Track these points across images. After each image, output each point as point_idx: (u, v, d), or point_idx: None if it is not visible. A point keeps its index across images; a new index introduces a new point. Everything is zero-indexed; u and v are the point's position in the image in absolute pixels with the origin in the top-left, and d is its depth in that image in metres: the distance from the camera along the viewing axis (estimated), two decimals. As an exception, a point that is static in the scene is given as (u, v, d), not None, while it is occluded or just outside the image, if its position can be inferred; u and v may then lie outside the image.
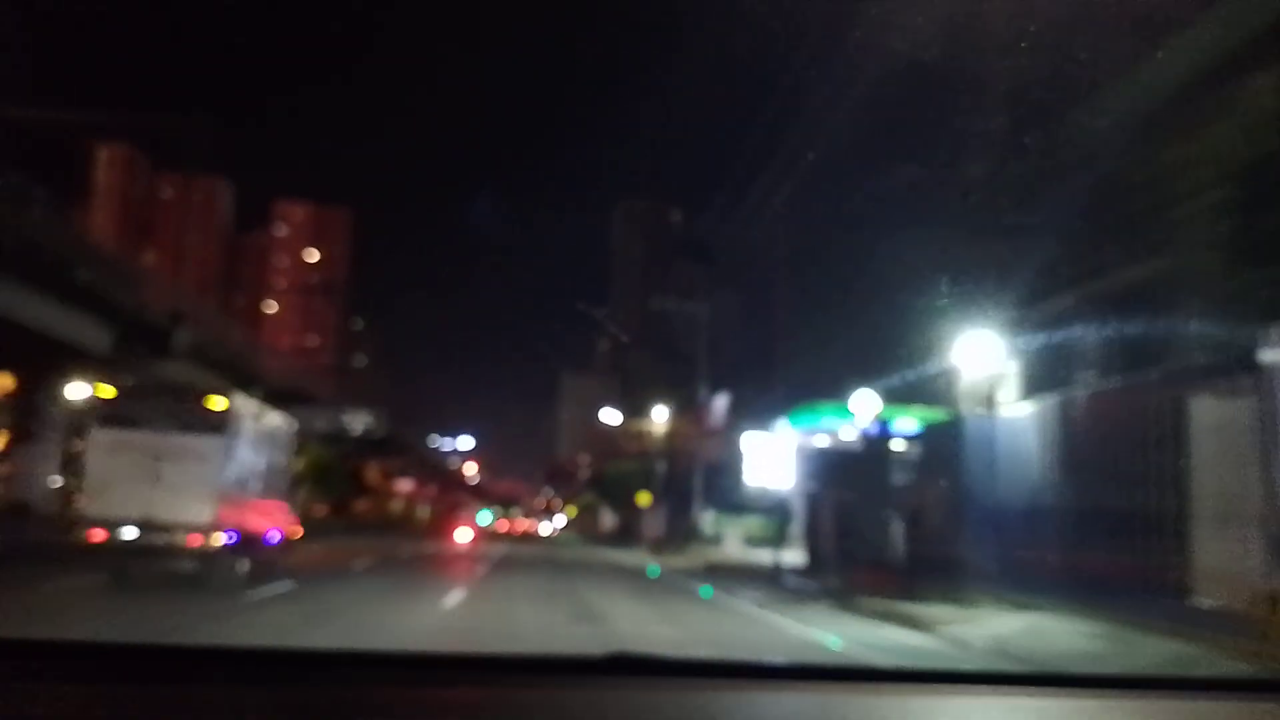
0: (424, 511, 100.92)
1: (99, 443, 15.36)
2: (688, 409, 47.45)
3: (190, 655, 2.26)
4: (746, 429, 45.18)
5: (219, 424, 15.58)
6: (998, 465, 15.24)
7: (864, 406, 37.98)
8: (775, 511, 45.38)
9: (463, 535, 37.47)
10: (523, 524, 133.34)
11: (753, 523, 43.67)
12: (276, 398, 46.53)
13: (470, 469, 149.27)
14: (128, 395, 16.23)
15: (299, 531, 20.88)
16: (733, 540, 37.18)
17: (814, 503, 28.79)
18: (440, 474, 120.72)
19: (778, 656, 10.02)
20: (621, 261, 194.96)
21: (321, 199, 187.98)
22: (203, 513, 14.73)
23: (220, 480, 15.28)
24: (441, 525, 52.56)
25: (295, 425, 21.18)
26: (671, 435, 46.73)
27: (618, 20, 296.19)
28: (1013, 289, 16.36)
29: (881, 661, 9.20)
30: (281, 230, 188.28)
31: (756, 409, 43.78)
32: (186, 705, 1.82)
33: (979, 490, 15.95)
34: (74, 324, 25.45)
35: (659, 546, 38.84)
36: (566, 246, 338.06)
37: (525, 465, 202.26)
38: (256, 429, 17.52)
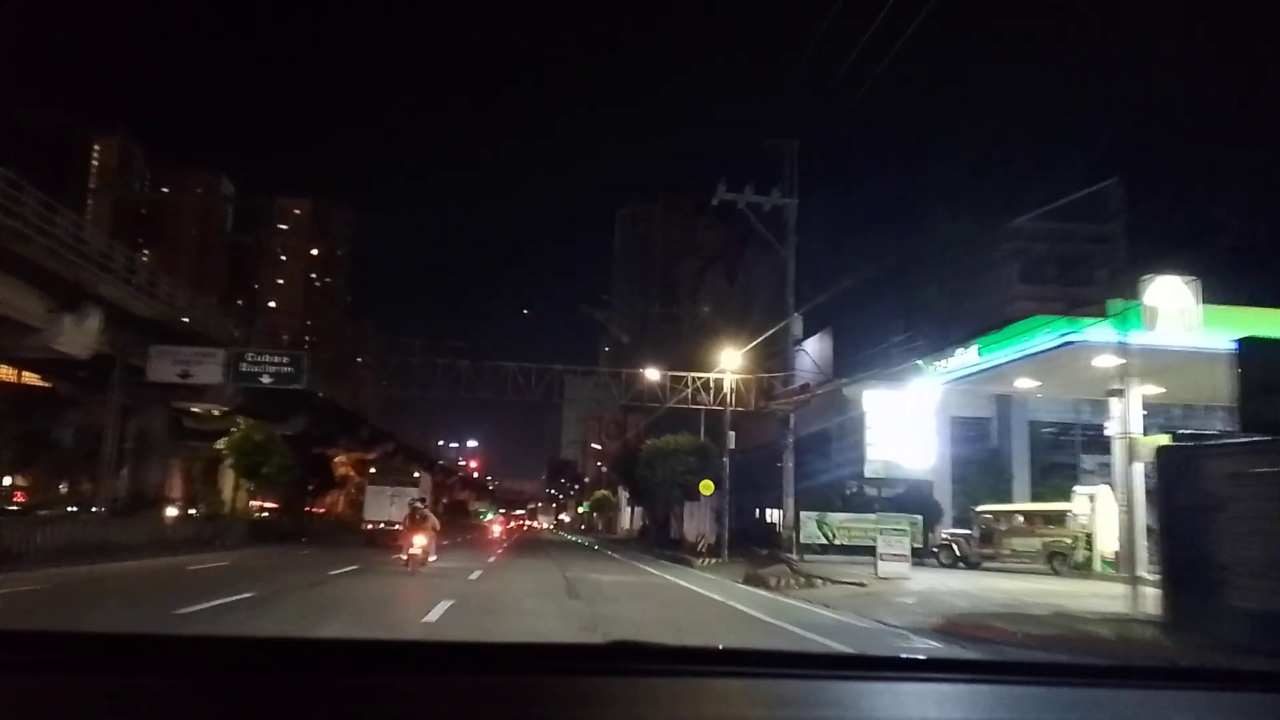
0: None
1: (369, 491, 41.51)
2: (768, 360, 29.92)
3: (186, 645, 2.00)
4: (857, 384, 27.70)
5: (414, 483, 41.84)
6: None
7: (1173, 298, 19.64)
8: (913, 504, 27.90)
9: (495, 529, 57.93)
10: (524, 521, 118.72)
11: (884, 523, 26.15)
12: (129, 325, 28.30)
13: (474, 468, 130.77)
14: (381, 471, 51.91)
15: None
16: (894, 553, 19.40)
17: (1188, 481, 11.44)
18: (441, 470, 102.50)
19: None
20: (623, 265, 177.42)
21: (324, 197, 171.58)
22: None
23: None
24: (482, 529, 70.58)
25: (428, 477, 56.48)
26: (742, 396, 29.20)
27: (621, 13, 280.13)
28: None
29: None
30: (283, 227, 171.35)
31: (877, 355, 26.41)
32: (185, 696, 1.61)
33: None
34: None
35: (757, 566, 21.15)
36: (571, 250, 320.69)
37: (528, 465, 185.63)
38: (422, 482, 44.22)
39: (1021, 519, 24.38)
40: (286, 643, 2.04)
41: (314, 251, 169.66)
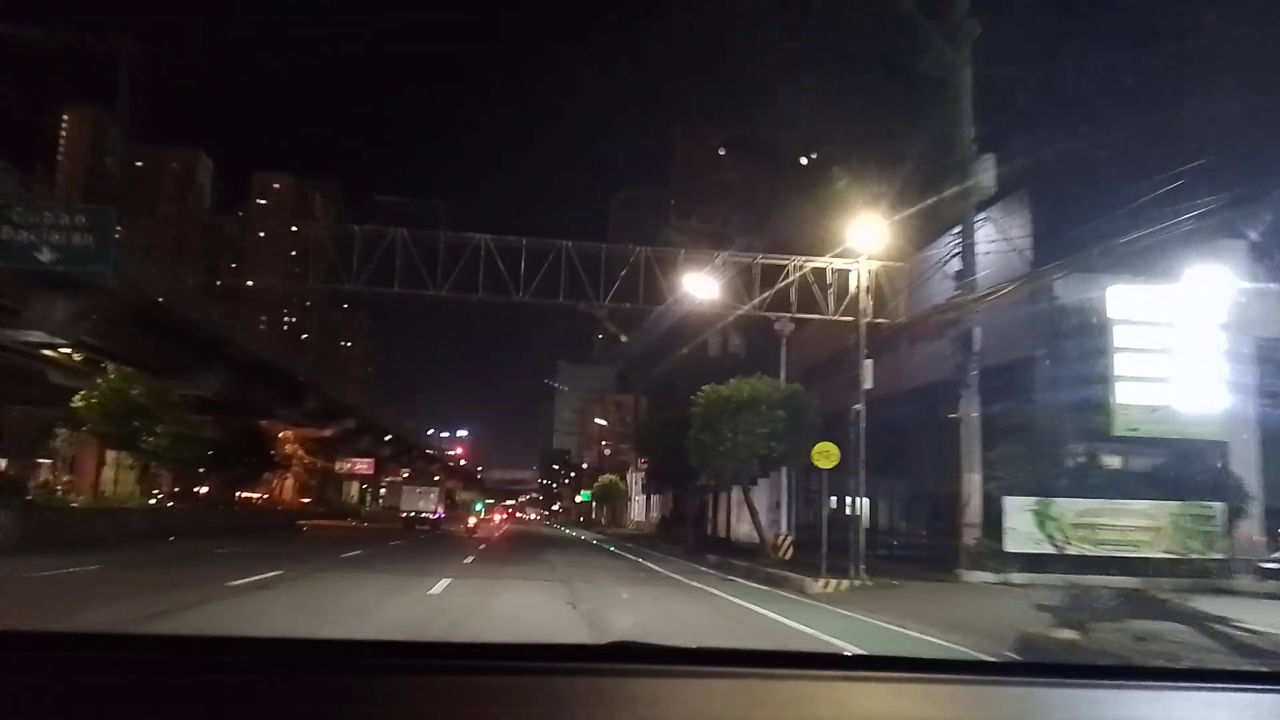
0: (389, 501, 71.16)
1: (404, 489, 53.25)
2: (915, 245, 17.84)
3: (183, 645, 2.00)
4: (1087, 272, 15.64)
5: (438, 485, 58.24)
6: None
7: None
8: (1189, 483, 15.71)
9: (496, 518, 65.63)
10: (511, 511, 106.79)
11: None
12: None
13: (460, 455, 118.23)
14: (412, 475, 72.68)
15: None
16: None
17: None
18: (424, 456, 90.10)
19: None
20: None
21: (306, 173, 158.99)
22: (434, 509, 46.66)
23: (438, 499, 48.77)
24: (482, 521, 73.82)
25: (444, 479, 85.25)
26: (883, 295, 17.13)
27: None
28: None
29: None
30: (261, 202, 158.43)
31: (1126, 219, 14.39)
32: (176, 695, 1.54)
33: None
34: None
35: (1045, 618, 9.04)
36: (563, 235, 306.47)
37: (521, 456, 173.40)
38: (440, 483, 66.59)
39: None
40: (288, 643, 1.96)
41: (294, 229, 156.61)
